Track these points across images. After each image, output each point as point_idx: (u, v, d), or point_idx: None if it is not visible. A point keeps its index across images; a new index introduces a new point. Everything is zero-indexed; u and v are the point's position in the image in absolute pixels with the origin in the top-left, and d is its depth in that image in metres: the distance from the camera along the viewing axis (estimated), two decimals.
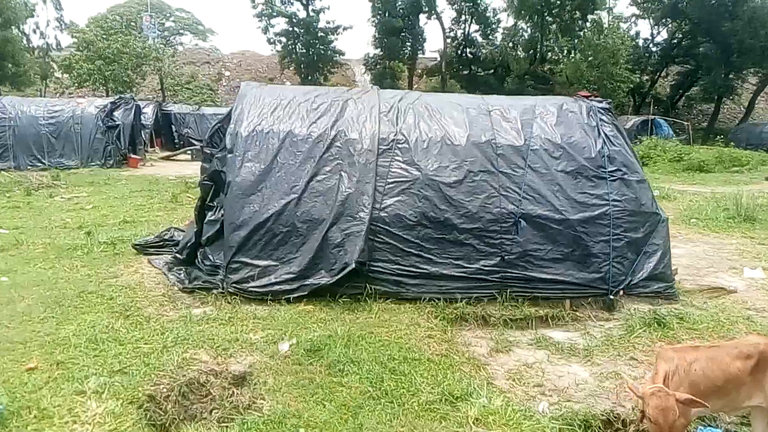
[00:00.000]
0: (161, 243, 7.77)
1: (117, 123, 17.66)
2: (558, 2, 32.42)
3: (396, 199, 6.01)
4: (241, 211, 5.97)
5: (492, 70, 46.10)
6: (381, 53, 38.32)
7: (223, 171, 6.42)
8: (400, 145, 6.24)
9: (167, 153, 21.95)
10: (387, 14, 36.91)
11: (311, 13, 40.78)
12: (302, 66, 41.54)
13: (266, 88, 7.08)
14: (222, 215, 6.24)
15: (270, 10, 41.41)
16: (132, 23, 38.51)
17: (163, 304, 5.72)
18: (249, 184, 6.06)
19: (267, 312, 5.57)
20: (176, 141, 24.59)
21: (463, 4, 42.51)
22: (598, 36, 30.66)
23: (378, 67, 37.92)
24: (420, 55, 46.49)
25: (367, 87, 39.29)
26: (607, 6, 32.13)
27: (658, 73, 43.46)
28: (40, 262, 7.25)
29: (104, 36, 36.12)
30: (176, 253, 7.02)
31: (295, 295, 5.80)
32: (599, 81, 31.72)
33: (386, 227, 5.95)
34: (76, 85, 35.27)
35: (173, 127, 24.34)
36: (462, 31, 45.97)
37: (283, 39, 41.84)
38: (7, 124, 17.31)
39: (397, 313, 5.67)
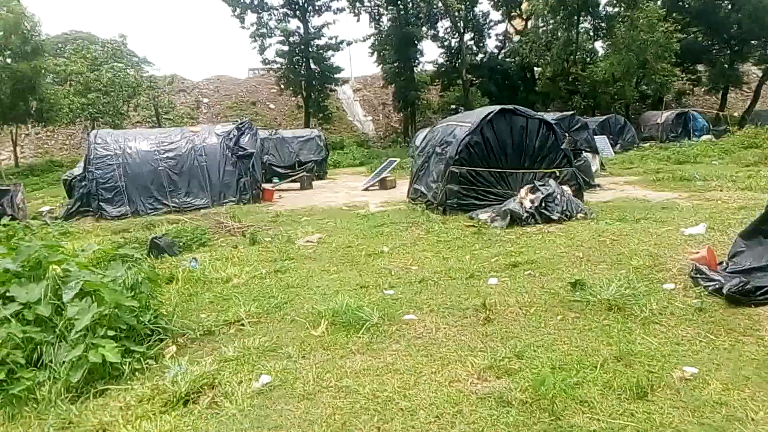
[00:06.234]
0: None
1: (249, 151, 14.45)
2: (595, 1, 31.38)
3: None
4: None
5: (488, 77, 44.83)
6: (397, 65, 35.87)
7: None
8: None
9: (271, 184, 18.71)
10: (408, 24, 34.67)
11: (311, 30, 37.83)
12: (303, 86, 38.40)
13: None
14: None
15: (265, 30, 38.08)
16: (118, 51, 34.29)
17: None
18: None
19: None
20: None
21: (459, 12, 40.88)
22: (637, 32, 29.63)
23: (399, 79, 35.44)
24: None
25: (353, 105, 36.95)
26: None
27: None
28: None
29: (90, 67, 32.04)
30: None
31: None
32: (647, 77, 30.85)
33: None
34: (68, 121, 30.75)
35: None
36: (456, 40, 44.38)
37: (280, 60, 38.50)
38: (113, 162, 13.76)
39: None
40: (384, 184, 17.01)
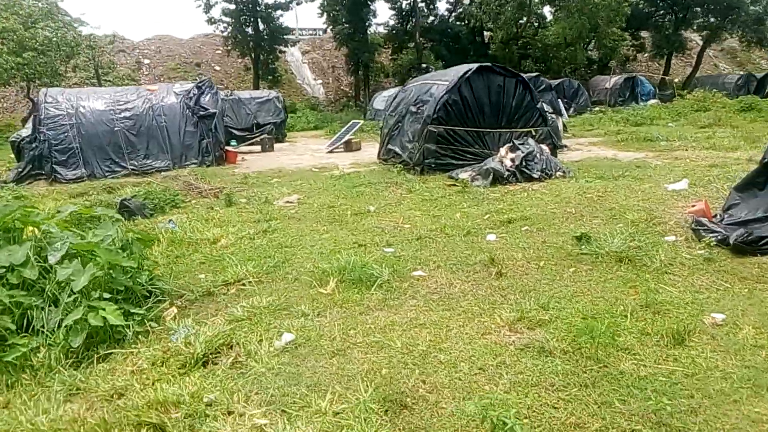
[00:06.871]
0: None
1: (211, 111, 13.88)
2: None
3: None
4: None
5: (438, 41, 44.51)
6: (350, 27, 35.10)
7: None
8: None
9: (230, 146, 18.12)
10: None
11: None
12: (252, 47, 37.14)
13: None
14: None
15: None
16: (54, 8, 32.09)
17: None
18: None
19: None
20: None
21: None
22: None
23: (352, 41, 34.73)
24: None
25: (302, 67, 36.09)
26: None
27: None
28: None
29: (25, 24, 29.89)
30: None
31: None
32: (598, 41, 31.34)
33: None
34: (2, 82, 28.71)
35: None
36: (408, 1, 43.73)
37: (227, 19, 37.05)
38: (66, 123, 12.98)
39: None
40: (349, 146, 16.74)
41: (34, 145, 12.72)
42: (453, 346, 3.85)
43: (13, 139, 13.71)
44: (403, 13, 43.34)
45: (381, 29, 45.24)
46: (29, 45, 28.45)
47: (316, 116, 32.00)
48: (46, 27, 29.99)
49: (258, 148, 18.23)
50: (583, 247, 5.72)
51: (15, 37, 28.49)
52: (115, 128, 13.35)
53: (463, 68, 10.96)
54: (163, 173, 13.33)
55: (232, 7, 36.70)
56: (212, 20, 37.76)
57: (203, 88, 14.38)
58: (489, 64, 10.91)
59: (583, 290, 4.72)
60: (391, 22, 43.96)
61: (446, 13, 46.99)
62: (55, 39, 29.98)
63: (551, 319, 4.16)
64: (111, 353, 4.06)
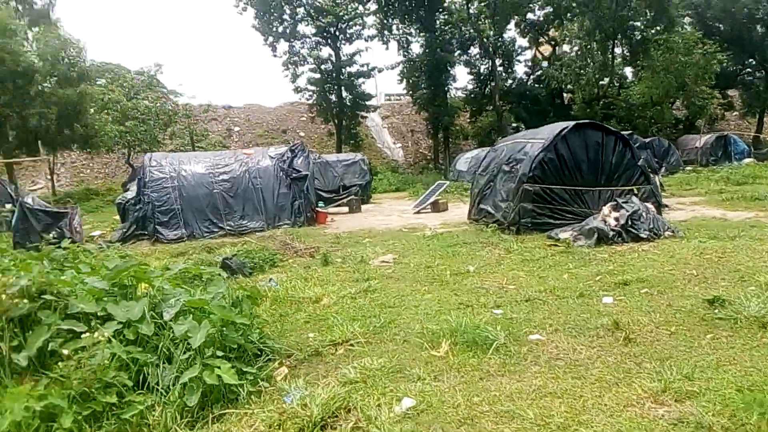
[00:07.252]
0: None
1: (304, 173, 14.18)
2: (630, 24, 31.05)
3: None
4: None
5: (517, 103, 44.43)
6: (429, 91, 35.74)
7: None
8: None
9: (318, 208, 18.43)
10: (440, 49, 34.62)
11: (342, 57, 37.97)
12: (335, 113, 38.39)
13: None
14: None
15: (297, 57, 38.29)
16: (154, 80, 34.57)
17: None
18: None
19: None
20: None
21: (489, 39, 40.64)
22: (674, 54, 29.15)
23: (433, 105, 35.27)
24: None
25: (381, 132, 36.68)
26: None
27: None
28: None
29: (128, 95, 32.31)
30: None
31: None
32: (687, 99, 30.33)
33: None
34: (106, 149, 30.83)
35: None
36: (486, 66, 44.18)
37: (312, 87, 38.63)
38: (169, 185, 13.52)
39: None
40: (436, 207, 16.67)
41: (138, 207, 13.37)
42: (594, 419, 3.50)
43: (119, 201, 14.49)
44: (482, 77, 43.79)
45: (459, 93, 45.85)
46: (131, 114, 30.68)
47: (397, 178, 32.41)
48: (147, 97, 32.22)
49: (345, 209, 18.46)
50: (716, 311, 5.23)
51: (119, 107, 30.80)
52: (214, 190, 13.86)
53: (559, 126, 10.74)
54: (257, 233, 13.61)
55: (317, 76, 38.26)
56: (298, 89, 39.42)
57: (296, 151, 14.83)
58: (587, 121, 10.59)
59: (729, 359, 4.26)
60: (470, 86, 44.50)
61: (524, 76, 47.19)
62: (154, 108, 32.12)
63: (701, 391, 3.74)
64: (225, 413, 3.95)
